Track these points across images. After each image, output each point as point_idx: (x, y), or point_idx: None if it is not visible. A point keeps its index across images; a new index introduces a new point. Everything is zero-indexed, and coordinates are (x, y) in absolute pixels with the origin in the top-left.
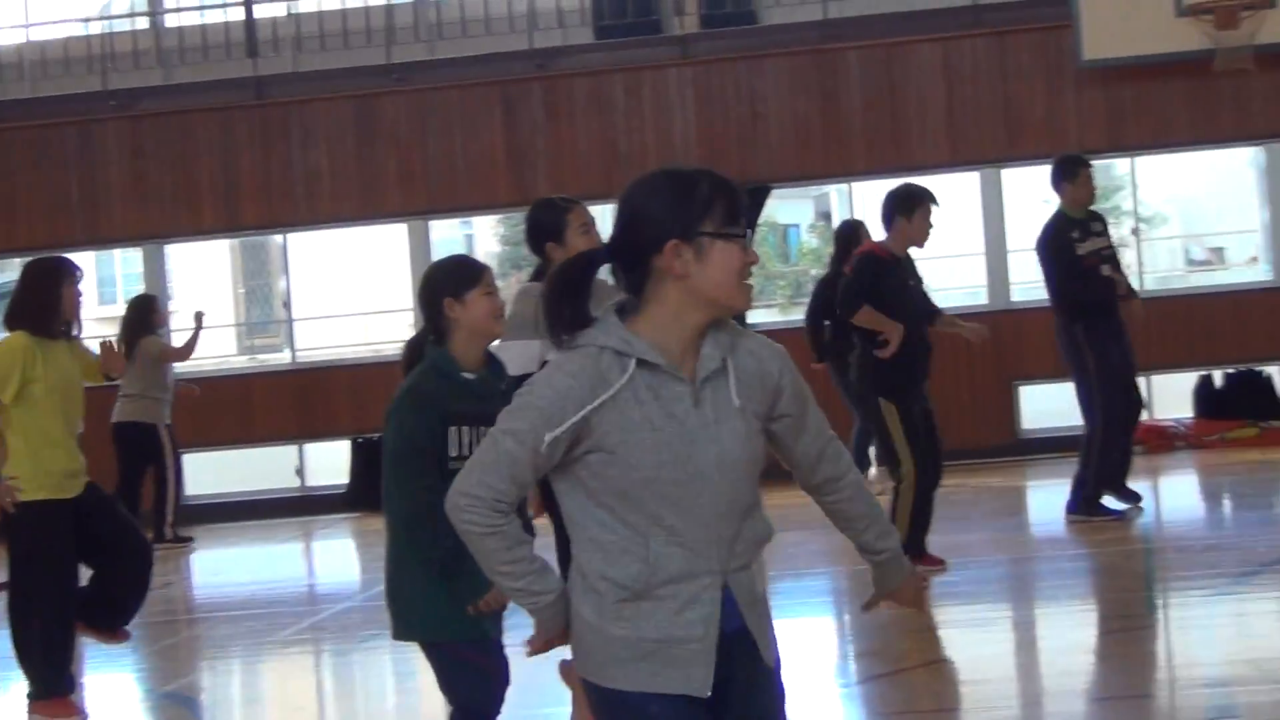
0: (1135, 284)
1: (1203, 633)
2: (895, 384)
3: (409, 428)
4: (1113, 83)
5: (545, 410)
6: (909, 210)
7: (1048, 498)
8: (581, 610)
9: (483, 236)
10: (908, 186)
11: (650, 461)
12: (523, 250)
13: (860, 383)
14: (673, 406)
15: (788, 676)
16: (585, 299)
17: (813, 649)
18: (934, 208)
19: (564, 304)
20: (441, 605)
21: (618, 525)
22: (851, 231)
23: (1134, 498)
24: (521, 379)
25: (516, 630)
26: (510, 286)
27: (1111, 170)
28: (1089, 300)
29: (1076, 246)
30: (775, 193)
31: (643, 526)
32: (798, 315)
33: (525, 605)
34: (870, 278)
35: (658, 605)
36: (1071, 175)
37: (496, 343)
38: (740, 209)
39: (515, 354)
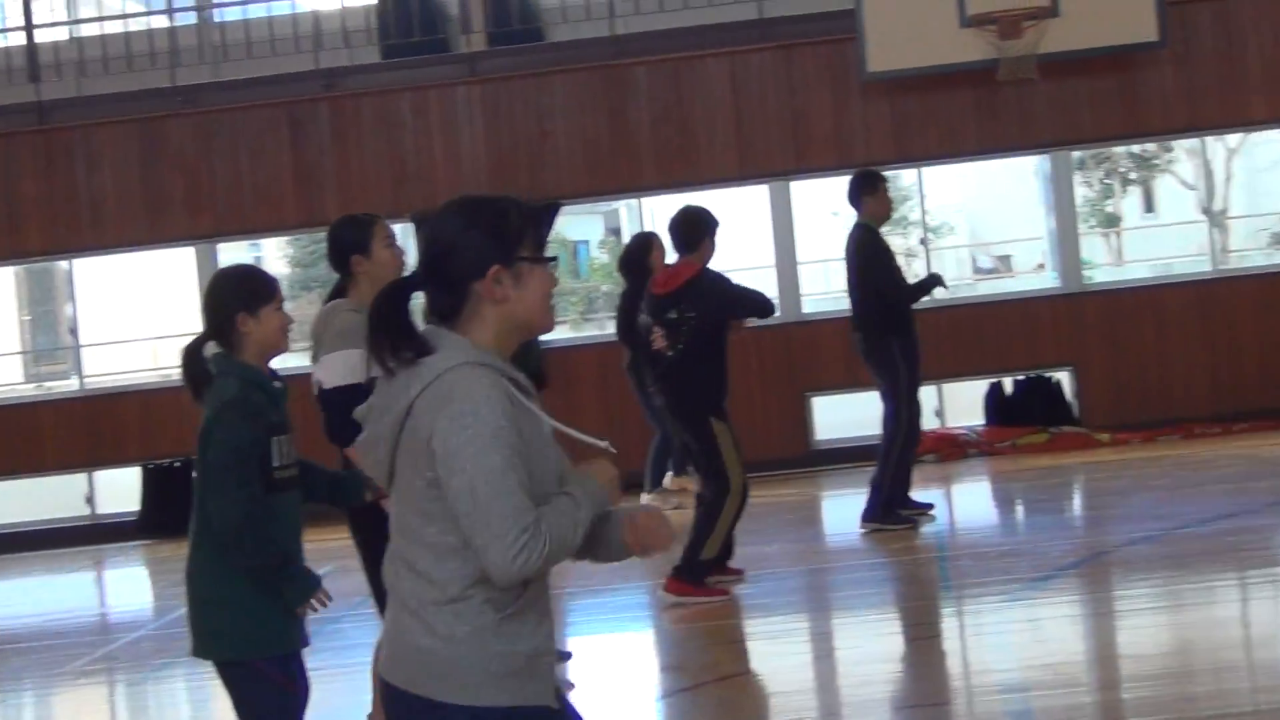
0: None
1: (999, 638)
2: (720, 402)
3: (237, 438)
4: (899, 94)
5: (505, 428)
6: (713, 232)
7: (842, 508)
8: (451, 630)
9: (271, 258)
10: (702, 209)
11: (549, 474)
12: (313, 272)
13: (683, 405)
14: (539, 422)
15: (594, 692)
16: (410, 325)
17: (616, 664)
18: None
19: (388, 332)
20: (248, 621)
21: None
22: (643, 244)
23: (925, 506)
24: (346, 389)
25: (321, 653)
26: (300, 308)
27: (899, 181)
28: (904, 314)
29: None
30: (565, 209)
31: None
32: (590, 331)
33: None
34: (726, 295)
35: (526, 620)
36: (871, 189)
37: (328, 355)
38: (546, 235)
39: (337, 365)
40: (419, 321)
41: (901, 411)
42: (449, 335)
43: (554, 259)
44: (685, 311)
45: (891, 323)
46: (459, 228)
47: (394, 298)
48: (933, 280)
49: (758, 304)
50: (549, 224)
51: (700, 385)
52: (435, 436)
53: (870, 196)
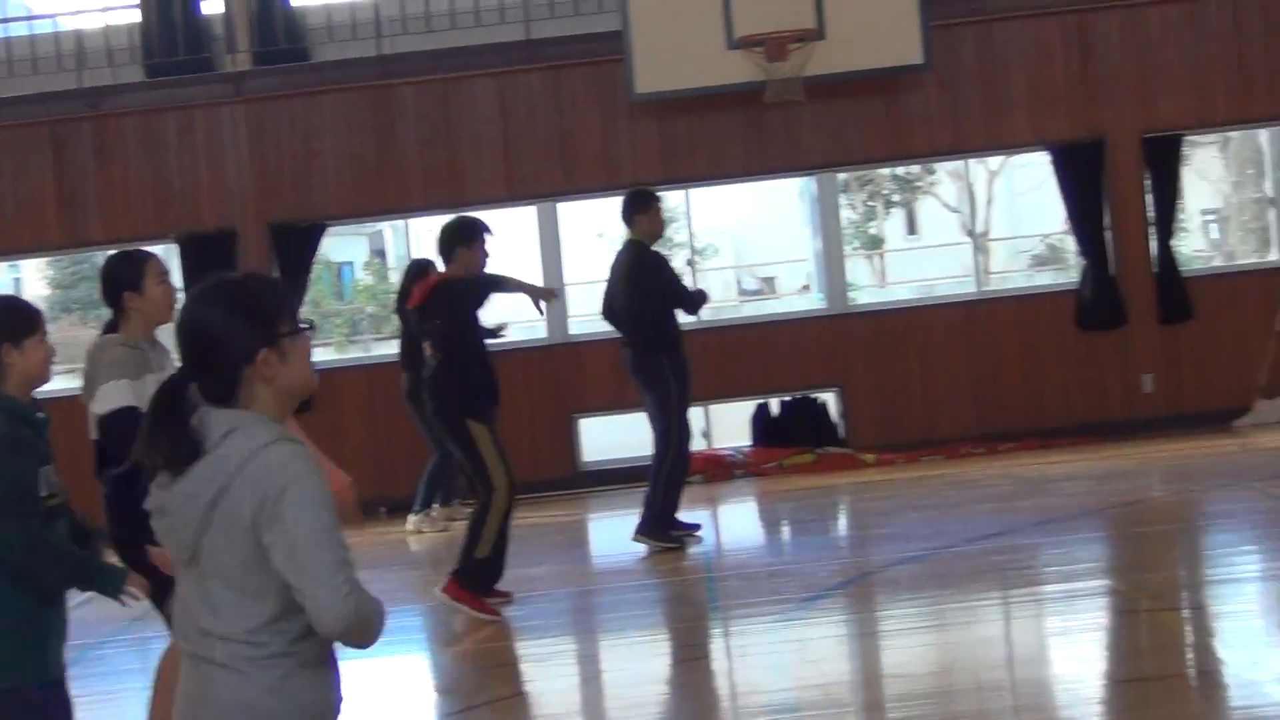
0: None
1: (767, 659)
2: (479, 405)
3: (13, 473)
4: (666, 115)
5: (327, 495)
6: (469, 240)
7: (610, 529)
8: (263, 679)
9: (30, 280)
10: (462, 218)
11: None
12: (73, 294)
13: (443, 410)
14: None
15: (367, 717)
16: (186, 427)
17: (390, 689)
18: (489, 237)
19: (164, 435)
20: (15, 647)
21: None
22: (422, 270)
23: (692, 527)
24: (123, 411)
25: (84, 679)
26: (61, 329)
27: (665, 202)
28: (674, 330)
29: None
30: (330, 230)
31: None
32: (355, 353)
33: None
34: (467, 295)
35: (325, 669)
36: (644, 207)
37: (104, 386)
38: (298, 303)
39: (112, 393)
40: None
41: (673, 430)
42: (244, 416)
43: (310, 325)
44: (433, 319)
45: (662, 339)
46: (221, 318)
47: (171, 397)
48: (700, 296)
49: (496, 288)
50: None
51: (455, 389)
52: (262, 512)
53: (643, 215)
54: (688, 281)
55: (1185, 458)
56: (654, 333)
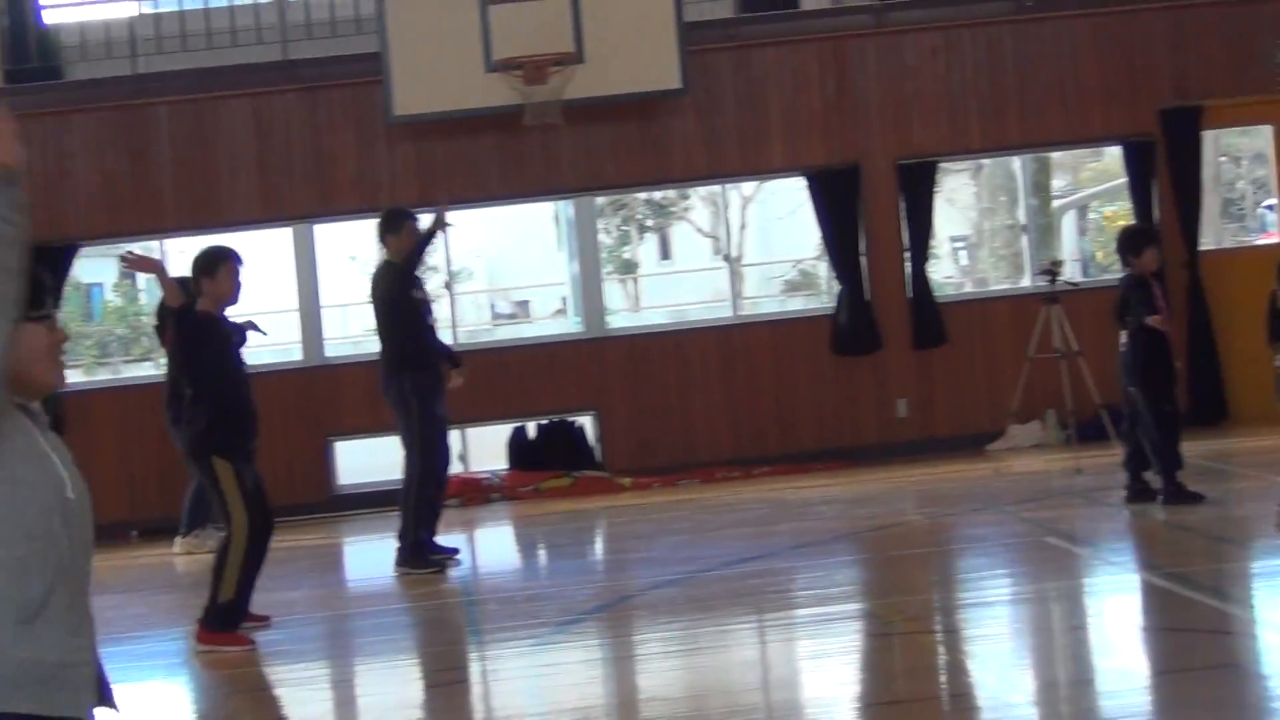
0: (448, 338)
1: (524, 683)
2: (226, 443)
3: None
4: (424, 137)
5: None
6: (211, 270)
7: (366, 553)
8: None
9: None
10: (207, 249)
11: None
12: None
13: (191, 442)
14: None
15: None
16: None
17: (146, 714)
18: (239, 266)
19: None
20: None
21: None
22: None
23: (450, 551)
24: None
25: None
26: None
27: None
28: (423, 350)
29: (415, 296)
30: (81, 250)
31: (43, 547)
32: (104, 375)
33: None
34: (201, 333)
35: (53, 627)
36: (397, 227)
37: None
38: (44, 290)
39: None
40: None
41: (416, 452)
42: None
43: (47, 315)
44: (177, 355)
45: (406, 360)
46: None
47: None
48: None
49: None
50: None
51: (201, 423)
52: None
53: (395, 234)
54: (445, 305)
55: (939, 482)
56: (398, 353)
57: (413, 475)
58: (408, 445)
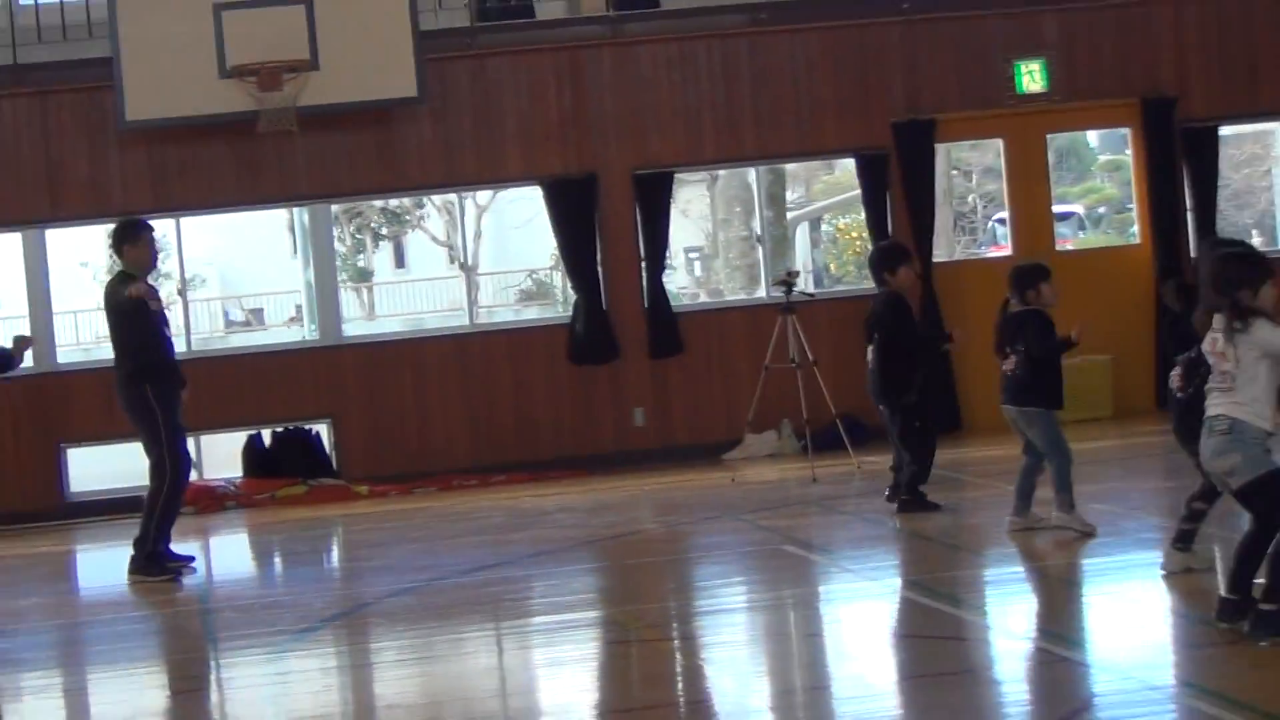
0: (181, 346)
1: (262, 691)
2: None
3: None
4: (157, 143)
5: None
6: (133, 239)
7: (100, 560)
8: None
9: None
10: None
11: None
12: None
13: None
14: None
15: None
16: None
17: None
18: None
19: None
20: None
21: None
22: None
23: (186, 558)
24: None
25: None
26: None
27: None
28: (163, 360)
29: (150, 305)
30: None
31: None
32: None
33: None
34: None
35: None
36: (133, 239)
37: None
38: None
39: None
40: None
41: (165, 461)
42: None
43: None
44: None
45: (143, 370)
46: None
47: None
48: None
49: None
50: None
51: None
52: None
53: (131, 245)
54: (179, 312)
55: (676, 490)
56: (135, 363)
57: (159, 486)
58: (154, 455)
